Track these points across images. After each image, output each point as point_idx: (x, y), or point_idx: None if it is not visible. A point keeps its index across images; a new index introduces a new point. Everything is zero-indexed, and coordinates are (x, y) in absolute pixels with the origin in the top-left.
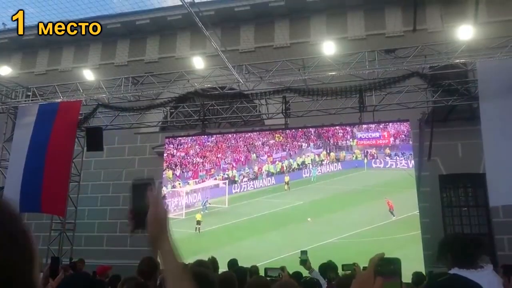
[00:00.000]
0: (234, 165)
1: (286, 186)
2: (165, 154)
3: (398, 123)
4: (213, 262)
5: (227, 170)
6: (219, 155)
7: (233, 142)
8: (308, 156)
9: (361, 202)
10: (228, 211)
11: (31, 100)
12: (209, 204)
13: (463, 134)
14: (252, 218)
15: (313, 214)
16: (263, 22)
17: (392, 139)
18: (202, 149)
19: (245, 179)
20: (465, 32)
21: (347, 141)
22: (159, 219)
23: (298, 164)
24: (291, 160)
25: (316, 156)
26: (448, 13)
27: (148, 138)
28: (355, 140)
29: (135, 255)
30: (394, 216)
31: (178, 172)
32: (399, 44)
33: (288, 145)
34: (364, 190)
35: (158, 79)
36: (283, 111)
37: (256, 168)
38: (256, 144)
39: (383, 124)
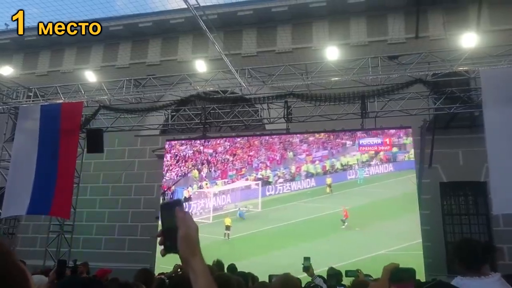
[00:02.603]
0: (268, 164)
1: (328, 189)
2: (168, 156)
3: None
4: (218, 265)
5: (260, 170)
6: (251, 153)
7: (267, 138)
8: (353, 155)
9: (413, 210)
10: (261, 215)
11: (32, 101)
12: (245, 209)
13: (464, 142)
14: (288, 225)
15: (359, 221)
16: (266, 26)
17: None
18: (232, 146)
19: (281, 180)
20: (468, 40)
21: (400, 139)
22: (189, 239)
23: (342, 165)
24: (333, 160)
25: (363, 155)
26: (450, 21)
27: (148, 141)
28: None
29: (133, 259)
30: (344, 225)
31: (205, 170)
32: (401, 51)
33: (330, 143)
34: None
35: (159, 82)
36: (285, 116)
37: (293, 168)
38: (293, 141)
39: (385, 131)
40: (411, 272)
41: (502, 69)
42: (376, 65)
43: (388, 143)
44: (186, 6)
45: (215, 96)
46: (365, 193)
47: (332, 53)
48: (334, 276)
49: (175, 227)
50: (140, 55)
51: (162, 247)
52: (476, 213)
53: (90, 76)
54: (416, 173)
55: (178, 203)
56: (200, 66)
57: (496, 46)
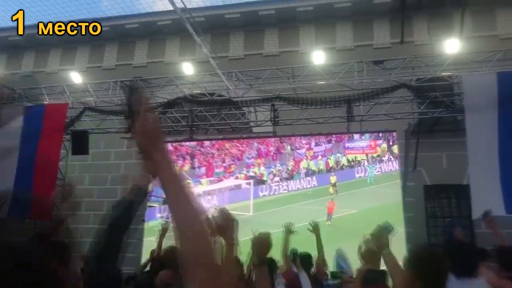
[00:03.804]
0: (262, 160)
1: (332, 189)
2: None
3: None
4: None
5: (252, 167)
6: (241, 147)
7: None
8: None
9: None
10: (252, 220)
11: (17, 102)
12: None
13: (447, 145)
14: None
15: (370, 226)
16: (253, 30)
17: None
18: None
19: (276, 178)
20: (451, 45)
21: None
22: (147, 131)
23: (348, 160)
24: (339, 155)
25: (373, 149)
26: (435, 27)
27: (135, 143)
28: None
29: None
30: (329, 221)
31: (187, 167)
32: (387, 56)
33: (334, 135)
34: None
35: (146, 84)
36: (272, 119)
37: (291, 165)
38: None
39: (371, 134)
40: (384, 274)
41: (483, 75)
42: (362, 69)
43: (373, 146)
44: (173, 8)
45: (202, 99)
46: (377, 194)
47: (318, 57)
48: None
49: (133, 113)
50: (127, 56)
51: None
52: (459, 216)
53: (76, 77)
54: (401, 176)
55: (137, 91)
56: (187, 68)
57: (478, 52)
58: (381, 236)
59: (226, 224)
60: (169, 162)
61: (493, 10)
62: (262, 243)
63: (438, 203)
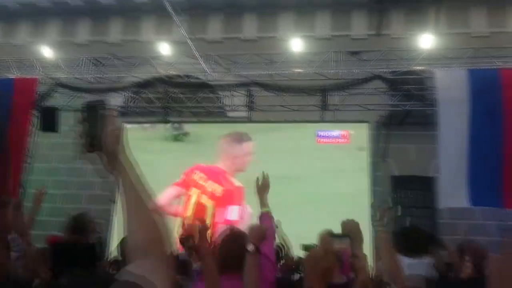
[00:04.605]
0: None
1: None
2: None
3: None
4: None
5: None
6: None
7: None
8: None
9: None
10: None
11: None
12: None
13: (416, 138)
14: None
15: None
16: (232, 12)
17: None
18: None
19: None
20: (425, 40)
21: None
22: (117, 134)
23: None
24: None
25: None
26: (411, 21)
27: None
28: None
29: None
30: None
31: None
32: (363, 47)
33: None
34: None
35: (121, 62)
36: (247, 104)
37: None
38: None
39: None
40: (346, 236)
41: (455, 71)
42: (339, 59)
43: (345, 136)
44: None
45: (178, 81)
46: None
47: (296, 44)
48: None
49: (101, 126)
50: (101, 32)
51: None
52: (424, 206)
53: (47, 52)
54: (370, 166)
55: (104, 102)
56: (164, 48)
57: (451, 48)
58: (384, 215)
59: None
60: (135, 166)
61: (467, 8)
62: (259, 232)
63: (404, 194)
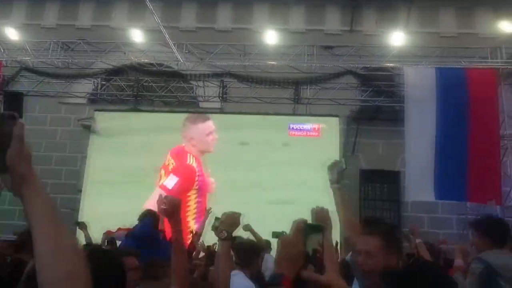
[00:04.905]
0: None
1: None
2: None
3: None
4: None
5: None
6: None
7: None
8: None
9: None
10: None
11: None
12: None
13: (385, 133)
14: None
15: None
16: (207, 2)
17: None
18: None
19: None
20: (396, 38)
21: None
22: (27, 154)
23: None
24: None
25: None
26: (383, 19)
27: (74, 110)
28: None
29: None
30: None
31: None
32: (336, 42)
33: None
34: None
35: (91, 48)
36: (220, 95)
37: None
38: None
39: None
40: (319, 227)
41: (424, 69)
42: (312, 53)
43: (316, 129)
44: None
45: (149, 69)
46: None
47: (271, 37)
48: None
49: (6, 143)
50: (70, 16)
51: None
52: (389, 199)
53: (12, 34)
54: (340, 159)
55: (12, 116)
56: (136, 35)
57: (420, 47)
58: (333, 170)
59: (172, 209)
60: (44, 189)
61: (437, 9)
62: (232, 219)
63: (371, 187)
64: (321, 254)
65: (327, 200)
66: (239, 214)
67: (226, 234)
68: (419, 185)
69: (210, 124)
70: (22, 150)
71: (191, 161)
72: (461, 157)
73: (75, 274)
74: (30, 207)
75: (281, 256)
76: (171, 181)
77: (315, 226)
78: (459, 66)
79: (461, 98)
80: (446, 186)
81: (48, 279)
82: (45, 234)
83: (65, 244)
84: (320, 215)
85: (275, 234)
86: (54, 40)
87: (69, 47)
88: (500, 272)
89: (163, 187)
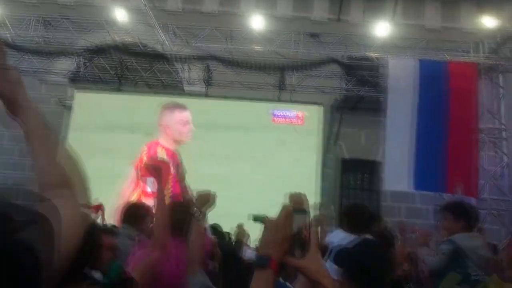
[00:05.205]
0: None
1: None
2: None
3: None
4: None
5: None
6: None
7: None
8: None
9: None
10: None
11: None
12: None
13: (367, 123)
14: None
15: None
16: None
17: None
18: None
19: None
20: (382, 29)
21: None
22: (11, 76)
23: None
24: None
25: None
26: (369, 9)
27: (55, 89)
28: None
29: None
30: None
31: None
32: (323, 30)
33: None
34: None
35: (73, 25)
36: (205, 79)
37: None
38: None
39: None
40: (305, 212)
41: (406, 60)
42: (298, 40)
43: (300, 116)
44: None
45: (134, 50)
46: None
47: (257, 22)
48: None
49: None
50: None
51: None
52: (370, 189)
53: None
54: (322, 147)
55: None
56: (120, 14)
57: (405, 38)
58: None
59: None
60: (37, 109)
61: (424, 2)
62: (205, 198)
63: (353, 176)
64: (306, 236)
65: (308, 187)
66: (211, 192)
67: (199, 214)
68: (397, 174)
69: (187, 114)
70: (8, 72)
71: (159, 153)
72: (440, 148)
73: (66, 173)
74: (24, 127)
75: (268, 238)
76: (150, 185)
77: (301, 211)
78: (442, 59)
79: (442, 91)
80: (425, 177)
81: (45, 177)
82: (39, 149)
83: (57, 150)
84: (297, 199)
85: (254, 217)
86: (35, 16)
87: (50, 24)
88: (469, 254)
89: (146, 193)
